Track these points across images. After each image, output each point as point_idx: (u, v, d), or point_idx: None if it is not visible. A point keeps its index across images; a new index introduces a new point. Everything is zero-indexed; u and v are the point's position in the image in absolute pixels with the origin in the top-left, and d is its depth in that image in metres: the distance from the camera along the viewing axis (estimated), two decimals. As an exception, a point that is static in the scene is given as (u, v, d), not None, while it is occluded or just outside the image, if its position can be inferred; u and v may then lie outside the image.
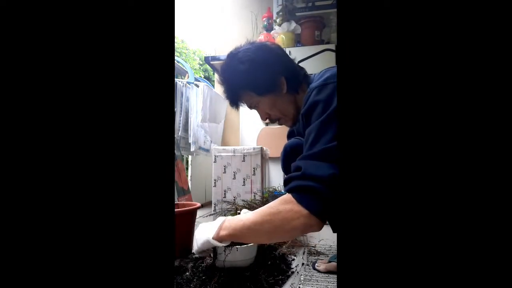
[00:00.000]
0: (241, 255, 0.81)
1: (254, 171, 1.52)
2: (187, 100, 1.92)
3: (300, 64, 0.86)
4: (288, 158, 0.92)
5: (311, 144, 0.55)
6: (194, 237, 0.68)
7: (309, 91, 0.62)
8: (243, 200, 1.48)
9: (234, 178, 1.54)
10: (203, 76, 3.66)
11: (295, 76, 0.75)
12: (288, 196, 0.54)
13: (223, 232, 0.61)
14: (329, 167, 0.50)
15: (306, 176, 0.52)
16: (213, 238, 0.61)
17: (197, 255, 0.68)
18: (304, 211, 0.51)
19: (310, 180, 0.51)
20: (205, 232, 0.64)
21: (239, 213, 0.75)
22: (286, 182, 0.57)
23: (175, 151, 1.75)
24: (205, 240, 0.63)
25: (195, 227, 1.10)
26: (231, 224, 0.61)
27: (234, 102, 0.79)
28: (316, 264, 0.90)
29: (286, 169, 0.95)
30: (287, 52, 0.92)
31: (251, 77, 0.71)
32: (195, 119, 1.90)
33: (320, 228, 0.54)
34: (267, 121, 0.82)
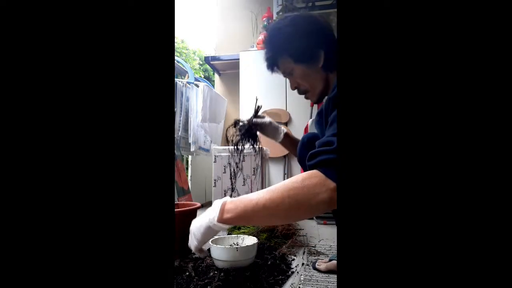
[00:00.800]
0: (241, 255, 0.81)
1: (254, 171, 1.52)
2: (187, 100, 1.92)
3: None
4: (304, 149, 0.92)
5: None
6: (190, 232, 0.61)
7: None
8: (243, 200, 1.47)
9: (234, 178, 1.54)
10: (203, 76, 3.66)
11: (335, 55, 0.74)
12: (312, 171, 0.52)
13: (227, 215, 0.55)
14: None
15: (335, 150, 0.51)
16: (217, 222, 0.55)
17: (196, 254, 0.62)
18: (332, 184, 0.49)
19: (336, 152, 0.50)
20: (202, 220, 0.58)
21: None
22: (312, 157, 0.54)
23: (175, 151, 1.75)
24: (205, 228, 0.57)
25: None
26: (237, 205, 0.55)
27: (271, 65, 0.80)
28: (316, 264, 0.90)
29: (301, 160, 0.95)
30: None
31: (292, 41, 0.73)
32: (195, 119, 1.90)
33: None
34: (295, 91, 0.83)
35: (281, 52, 0.77)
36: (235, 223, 0.57)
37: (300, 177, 0.53)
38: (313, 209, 0.52)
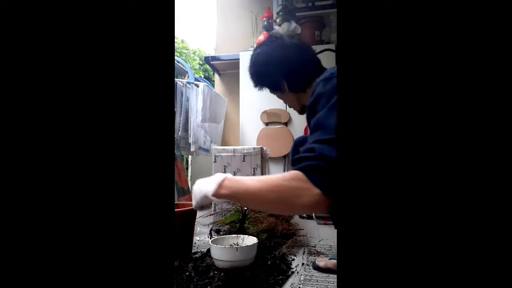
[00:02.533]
0: (241, 255, 0.81)
1: (254, 171, 1.52)
2: (187, 100, 1.92)
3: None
4: (296, 152, 0.97)
5: (323, 130, 0.59)
6: (192, 191, 0.69)
7: (315, 85, 0.69)
8: (243, 200, 1.47)
9: (234, 178, 1.53)
10: (203, 76, 3.66)
11: (299, 78, 0.84)
12: (298, 172, 0.56)
13: (223, 191, 0.62)
14: None
15: (320, 157, 0.55)
16: (212, 195, 0.62)
17: (196, 210, 0.70)
18: (315, 189, 0.53)
19: (324, 161, 0.54)
20: (204, 186, 0.65)
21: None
22: (296, 162, 0.58)
23: (175, 151, 1.75)
24: (203, 195, 0.65)
25: (195, 227, 1.10)
26: (233, 184, 0.61)
27: (260, 88, 0.93)
28: (316, 260, 0.90)
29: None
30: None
31: (260, 78, 0.88)
32: (195, 119, 1.90)
33: (327, 210, 0.56)
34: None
35: (260, 84, 0.91)
36: (228, 199, 0.64)
37: (288, 176, 0.57)
38: (295, 208, 0.57)
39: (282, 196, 0.56)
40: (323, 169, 0.54)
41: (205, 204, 0.67)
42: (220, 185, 0.62)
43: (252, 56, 0.88)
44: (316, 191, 0.53)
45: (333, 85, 0.63)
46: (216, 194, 0.62)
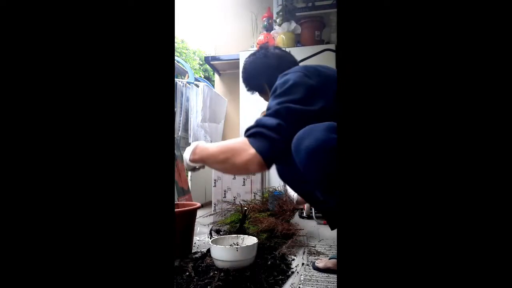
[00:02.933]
0: (241, 255, 0.81)
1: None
2: (187, 100, 1.92)
3: (300, 64, 0.98)
4: None
5: (267, 111, 0.74)
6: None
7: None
8: (243, 200, 1.48)
9: (234, 178, 1.54)
10: (203, 76, 3.66)
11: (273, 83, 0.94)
12: (243, 138, 0.72)
13: (195, 156, 0.79)
14: (277, 120, 0.70)
15: (258, 125, 0.71)
16: (190, 161, 0.80)
17: (189, 170, 0.87)
18: (251, 149, 0.68)
19: (260, 127, 0.70)
20: (185, 154, 0.81)
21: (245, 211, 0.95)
22: (245, 131, 0.74)
23: (175, 151, 1.75)
24: (186, 163, 0.82)
25: (195, 227, 1.10)
26: (200, 151, 0.78)
27: (253, 92, 1.08)
28: (316, 261, 0.90)
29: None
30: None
31: (249, 83, 1.04)
32: (195, 119, 1.90)
33: (261, 169, 0.71)
34: None
35: (249, 88, 1.06)
36: (200, 163, 0.80)
37: (235, 140, 0.73)
38: (236, 166, 0.71)
39: (227, 156, 0.71)
40: (260, 133, 0.69)
41: (191, 168, 0.83)
42: (193, 152, 0.79)
43: (243, 64, 1.04)
44: (252, 151, 0.68)
45: (285, 79, 0.76)
46: (192, 160, 0.79)
